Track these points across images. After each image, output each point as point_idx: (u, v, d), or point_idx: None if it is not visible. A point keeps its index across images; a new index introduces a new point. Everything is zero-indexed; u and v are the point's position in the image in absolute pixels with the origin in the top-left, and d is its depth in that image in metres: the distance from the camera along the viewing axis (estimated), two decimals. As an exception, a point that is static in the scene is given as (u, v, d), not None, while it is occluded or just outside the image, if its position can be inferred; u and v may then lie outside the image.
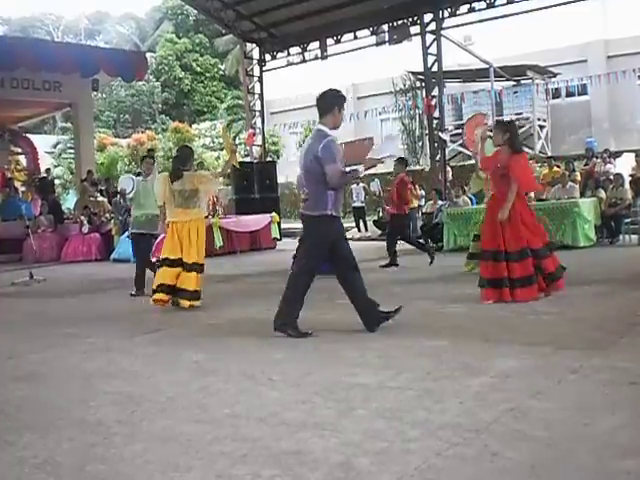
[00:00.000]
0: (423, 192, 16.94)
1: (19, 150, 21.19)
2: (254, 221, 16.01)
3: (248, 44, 21.27)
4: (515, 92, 24.23)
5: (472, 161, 23.26)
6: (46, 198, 18.02)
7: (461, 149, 24.56)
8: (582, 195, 13.14)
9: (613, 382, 3.79)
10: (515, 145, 6.92)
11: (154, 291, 7.47)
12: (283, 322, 5.56)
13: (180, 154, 7.84)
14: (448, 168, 17.97)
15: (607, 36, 24.40)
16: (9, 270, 13.00)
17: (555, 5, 15.66)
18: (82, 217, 16.29)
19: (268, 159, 21.63)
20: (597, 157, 16.13)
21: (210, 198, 13.57)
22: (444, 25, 16.74)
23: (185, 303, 7.41)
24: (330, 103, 5.54)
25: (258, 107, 21.28)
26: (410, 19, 17.15)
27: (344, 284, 5.73)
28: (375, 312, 5.64)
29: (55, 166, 30.73)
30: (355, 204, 19.58)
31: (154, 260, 13.42)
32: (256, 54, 21.33)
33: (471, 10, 16.53)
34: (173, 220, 7.47)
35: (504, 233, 6.63)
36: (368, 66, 24.99)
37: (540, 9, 15.80)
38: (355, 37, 18.89)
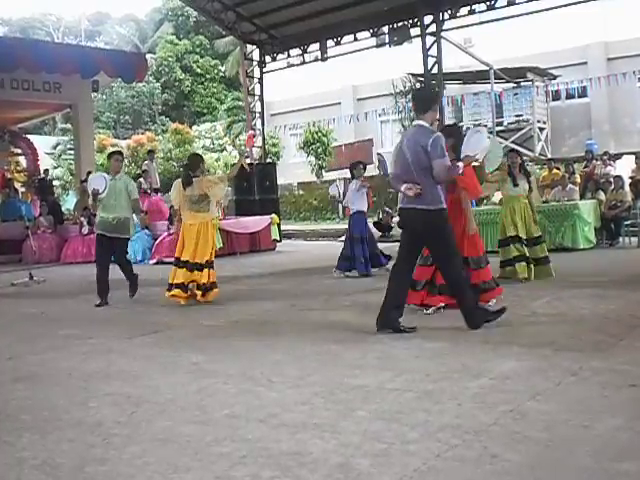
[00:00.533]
0: None
1: (19, 151, 21.17)
2: (254, 222, 16.01)
3: (248, 45, 21.27)
4: (515, 94, 24.25)
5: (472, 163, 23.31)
6: (45, 199, 17.99)
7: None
8: (582, 197, 13.14)
9: (612, 384, 3.79)
10: (459, 151, 6.53)
11: (171, 286, 7.92)
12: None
13: (190, 162, 8.41)
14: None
15: (607, 38, 24.42)
16: (9, 271, 12.99)
17: (555, 7, 15.65)
18: (82, 218, 16.26)
19: (268, 160, 21.63)
20: (597, 159, 16.14)
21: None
22: (444, 27, 16.73)
23: (207, 296, 7.96)
24: (432, 101, 5.79)
25: (258, 108, 21.28)
26: (410, 21, 17.13)
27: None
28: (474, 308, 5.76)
29: (55, 167, 30.73)
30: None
31: (155, 261, 13.44)
32: (256, 55, 21.33)
33: (471, 12, 16.51)
34: (186, 223, 8.07)
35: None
36: (368, 68, 25.03)
37: (540, 11, 15.79)
38: (355, 39, 18.88)
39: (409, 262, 5.82)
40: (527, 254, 8.42)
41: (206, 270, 7.89)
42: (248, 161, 21.72)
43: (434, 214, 5.57)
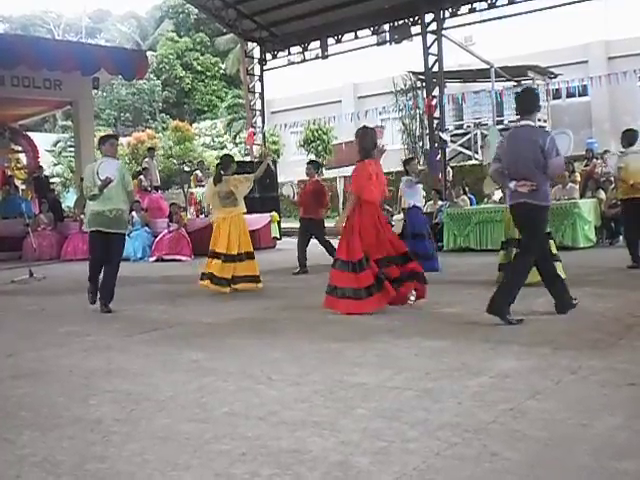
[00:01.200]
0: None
1: (19, 148, 21.16)
2: (253, 220, 15.96)
3: (249, 43, 21.26)
4: (516, 92, 24.23)
5: (472, 162, 23.33)
6: (44, 197, 17.98)
7: (461, 149, 24.57)
8: (582, 196, 13.14)
9: (612, 383, 3.80)
10: (360, 152, 6.87)
11: (203, 275, 8.54)
12: (501, 306, 5.69)
13: (222, 161, 9.20)
14: (449, 168, 17.96)
15: (608, 37, 24.38)
16: (9, 268, 13.00)
17: (556, 6, 15.65)
18: (82, 215, 16.26)
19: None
20: (597, 158, 16.11)
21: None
22: (445, 25, 16.73)
23: (252, 286, 8.55)
24: (537, 103, 6.25)
25: (258, 106, 21.27)
26: (411, 19, 17.14)
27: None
28: (567, 297, 6.03)
29: (55, 164, 30.74)
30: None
31: (154, 258, 13.42)
32: (257, 53, 21.33)
33: (472, 10, 16.51)
34: (219, 217, 8.72)
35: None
36: (369, 66, 24.98)
37: (541, 10, 15.79)
38: (356, 37, 18.87)
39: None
40: None
41: (249, 261, 8.58)
42: (248, 158, 21.78)
43: (543, 210, 5.89)
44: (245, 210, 8.90)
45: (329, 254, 9.62)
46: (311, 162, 11.41)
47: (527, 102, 6.11)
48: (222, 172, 8.81)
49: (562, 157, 5.82)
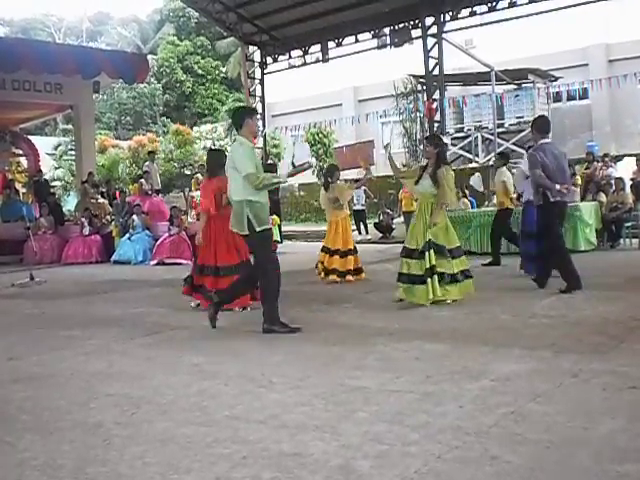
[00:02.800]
0: None
1: (20, 152, 21.18)
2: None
3: (250, 47, 21.30)
4: (516, 96, 24.20)
5: (472, 165, 23.32)
6: (44, 200, 17.98)
7: (462, 152, 24.56)
8: (583, 199, 13.14)
9: (613, 386, 3.79)
10: (207, 171, 7.87)
11: (328, 272, 9.42)
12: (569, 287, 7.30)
13: (328, 170, 10.14)
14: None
15: (608, 40, 24.38)
16: (10, 271, 13.00)
17: (556, 9, 15.66)
18: (83, 219, 16.27)
19: (269, 161, 21.63)
20: (598, 161, 16.12)
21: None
22: (445, 28, 16.75)
23: (361, 277, 9.55)
24: (550, 125, 7.85)
25: (259, 110, 21.29)
26: (411, 22, 17.15)
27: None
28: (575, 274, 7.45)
29: (56, 168, 30.73)
30: (356, 207, 19.57)
31: (155, 262, 13.37)
32: (257, 57, 21.35)
33: (473, 14, 16.53)
34: (332, 219, 9.66)
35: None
36: (369, 69, 24.98)
37: (541, 13, 15.82)
38: (356, 40, 18.90)
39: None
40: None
41: (351, 256, 9.45)
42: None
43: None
44: (348, 213, 10.04)
45: None
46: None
47: (546, 124, 7.79)
48: (329, 179, 9.70)
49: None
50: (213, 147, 10.66)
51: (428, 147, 7.43)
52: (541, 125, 7.76)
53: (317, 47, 19.49)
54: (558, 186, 7.29)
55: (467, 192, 15.26)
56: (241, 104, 31.12)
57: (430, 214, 7.04)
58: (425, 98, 17.97)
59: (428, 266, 6.83)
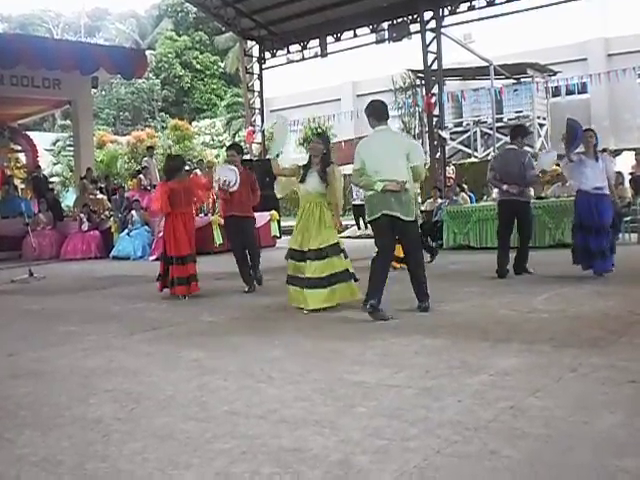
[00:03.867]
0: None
1: (19, 148, 21.17)
2: (254, 219, 15.99)
3: (248, 42, 21.27)
4: (515, 90, 24.22)
5: (471, 159, 23.32)
6: (42, 196, 17.98)
7: (460, 147, 24.55)
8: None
9: (612, 380, 3.79)
10: (165, 174, 8.79)
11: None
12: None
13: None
14: (452, 166, 17.95)
15: (607, 34, 24.39)
16: (8, 267, 13.00)
17: (555, 3, 15.65)
18: (81, 215, 16.27)
19: (268, 157, 21.60)
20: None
21: (211, 196, 13.60)
22: (444, 23, 16.72)
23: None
24: (526, 133, 9.06)
25: (258, 105, 21.26)
26: (410, 17, 17.13)
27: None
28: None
29: (54, 163, 30.73)
30: (355, 202, 19.56)
31: (154, 257, 13.40)
32: (256, 52, 21.32)
33: (471, 8, 16.50)
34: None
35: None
36: (368, 64, 24.98)
37: (540, 7, 15.79)
38: (355, 35, 18.87)
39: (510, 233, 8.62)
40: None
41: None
42: (248, 157, 21.75)
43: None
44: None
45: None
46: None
47: (514, 131, 8.80)
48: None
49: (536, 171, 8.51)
50: (171, 154, 12.95)
51: (318, 144, 7.11)
52: (510, 132, 9.15)
53: (316, 42, 19.46)
54: (505, 186, 8.31)
55: (466, 187, 15.24)
56: (239, 99, 31.16)
57: (320, 214, 6.78)
58: (424, 93, 17.97)
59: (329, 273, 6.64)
